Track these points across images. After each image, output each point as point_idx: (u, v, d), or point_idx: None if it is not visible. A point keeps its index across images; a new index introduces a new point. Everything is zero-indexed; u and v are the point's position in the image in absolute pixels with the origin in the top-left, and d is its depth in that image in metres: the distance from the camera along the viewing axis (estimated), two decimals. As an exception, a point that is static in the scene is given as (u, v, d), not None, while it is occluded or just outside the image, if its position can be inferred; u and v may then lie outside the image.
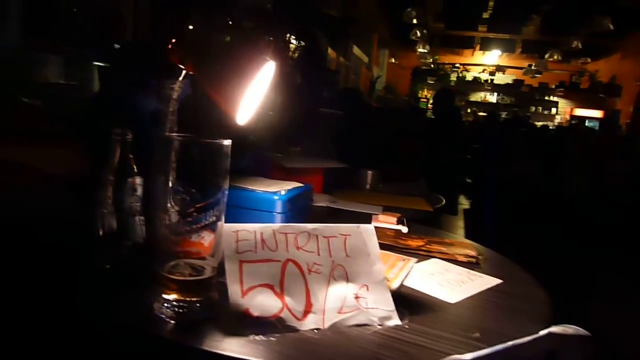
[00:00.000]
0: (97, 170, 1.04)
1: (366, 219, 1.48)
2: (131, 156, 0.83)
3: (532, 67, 11.86)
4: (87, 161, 1.29)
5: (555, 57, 10.14)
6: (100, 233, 0.84)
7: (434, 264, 1.09)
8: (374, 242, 0.85)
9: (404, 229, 1.36)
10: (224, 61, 0.87)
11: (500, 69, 12.80)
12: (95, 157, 1.30)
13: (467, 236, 4.98)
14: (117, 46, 3.38)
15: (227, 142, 0.71)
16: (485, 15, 10.18)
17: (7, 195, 1.11)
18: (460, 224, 5.81)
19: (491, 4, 9.41)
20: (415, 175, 2.85)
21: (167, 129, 0.92)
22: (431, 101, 11.85)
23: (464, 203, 6.81)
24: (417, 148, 3.58)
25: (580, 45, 8.98)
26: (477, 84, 12.95)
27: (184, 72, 0.92)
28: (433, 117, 5.28)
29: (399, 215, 1.42)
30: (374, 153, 2.82)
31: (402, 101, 10.85)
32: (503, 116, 10.55)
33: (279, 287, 0.74)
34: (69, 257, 0.90)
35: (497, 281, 1.02)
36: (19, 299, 0.78)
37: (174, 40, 0.92)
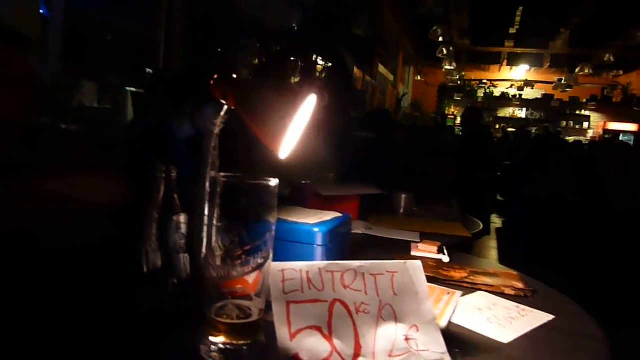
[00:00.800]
0: (138, 200, 1.04)
1: (404, 246, 1.45)
2: (176, 195, 0.83)
3: (562, 82, 11.66)
4: (127, 190, 1.30)
5: (587, 70, 9.94)
6: (145, 270, 0.84)
7: (480, 297, 1.05)
8: (422, 279, 0.82)
9: (445, 259, 1.33)
10: (268, 96, 0.87)
11: (528, 83, 12.62)
12: (133, 186, 1.32)
13: (501, 256, 4.86)
14: (149, 71, 3.46)
15: (274, 182, 0.70)
16: (512, 31, 10.09)
17: (49, 227, 1.13)
18: (492, 244, 5.69)
19: (518, 19, 9.33)
20: (448, 195, 2.81)
21: (209, 164, 0.92)
22: (459, 119, 11.77)
23: (496, 222, 6.67)
24: (449, 168, 3.53)
25: (612, 59, 8.79)
26: (505, 100, 12.79)
27: (225, 107, 0.92)
28: (461, 134, 5.22)
29: (439, 243, 1.38)
30: (406, 174, 2.79)
31: (429, 118, 10.79)
32: (533, 131, 10.37)
33: (327, 329, 0.72)
34: (112, 292, 0.90)
35: (549, 317, 0.97)
36: (60, 334, 0.77)
37: (216, 76, 0.92)
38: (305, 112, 0.91)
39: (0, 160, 1.13)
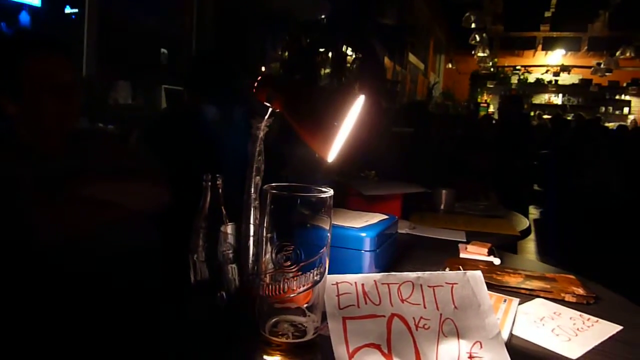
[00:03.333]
0: (182, 206, 1.02)
1: (451, 247, 1.40)
2: (223, 206, 0.80)
3: (601, 66, 11.20)
4: (167, 189, 1.29)
5: (628, 53, 9.52)
6: (193, 281, 0.82)
7: (540, 305, 0.99)
8: (483, 291, 0.77)
9: (496, 261, 1.26)
10: (316, 99, 0.83)
11: (565, 69, 12.20)
12: (174, 187, 1.30)
13: (540, 249, 4.68)
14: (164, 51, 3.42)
15: (329, 192, 0.66)
16: (548, 14, 9.76)
17: (94, 235, 1.12)
18: (531, 235, 5.52)
19: (554, 1, 9.01)
20: (486, 188, 2.73)
21: (254, 170, 0.88)
22: (492, 107, 11.49)
23: (533, 212, 6.48)
24: (487, 159, 3.43)
25: (656, 40, 8.39)
26: (540, 86, 12.40)
27: (270, 110, 0.88)
28: (496, 124, 5.07)
29: (489, 245, 1.32)
30: (444, 168, 2.72)
31: (462, 107, 10.57)
32: (569, 118, 10.04)
33: (386, 347, 0.68)
34: (160, 304, 0.88)
35: (617, 327, 0.91)
36: (108, 346, 0.75)
37: (259, 78, 0.88)
38: (353, 114, 0.87)
39: (47, 167, 1.13)
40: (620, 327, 0.91)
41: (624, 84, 11.86)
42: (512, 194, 3.36)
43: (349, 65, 5.51)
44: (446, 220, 1.77)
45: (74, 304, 0.85)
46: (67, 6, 2.90)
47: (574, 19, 9.64)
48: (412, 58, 8.85)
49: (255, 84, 0.88)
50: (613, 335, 0.88)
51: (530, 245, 5.33)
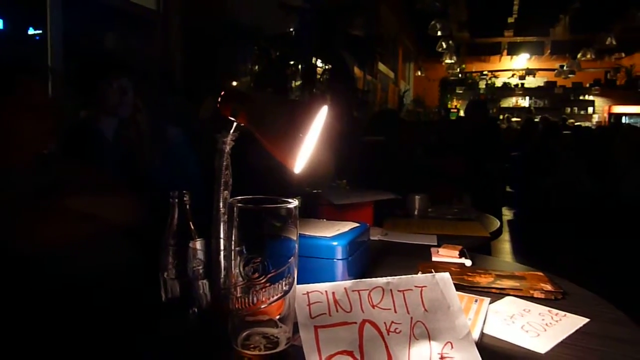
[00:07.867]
0: (146, 224, 1.01)
1: (424, 252, 1.42)
2: (191, 222, 0.79)
3: (565, 68, 11.56)
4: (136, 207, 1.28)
5: (589, 55, 9.85)
6: (164, 299, 0.81)
7: (510, 303, 1.02)
8: (452, 292, 0.79)
9: (468, 262, 1.29)
10: (280, 112, 0.84)
11: (530, 72, 12.55)
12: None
13: (514, 249, 4.77)
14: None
15: (294, 202, 0.67)
16: (511, 20, 10.04)
17: (64, 252, 1.10)
18: (505, 236, 5.62)
19: (516, 8, 9.27)
20: (459, 191, 2.77)
21: (222, 184, 0.88)
22: (461, 112, 11.72)
23: (507, 214, 6.61)
24: (458, 164, 3.48)
25: (614, 42, 8.69)
26: (507, 90, 12.72)
27: (235, 124, 0.89)
28: (466, 128, 5.16)
29: (460, 247, 1.35)
30: (416, 174, 2.75)
31: (433, 113, 10.75)
32: (536, 120, 10.31)
33: (358, 353, 0.69)
34: (131, 322, 0.87)
35: (584, 320, 0.93)
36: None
37: (223, 93, 0.89)
38: (318, 124, 0.88)
39: (18, 184, 1.11)
40: (587, 320, 0.94)
41: (587, 85, 12.27)
42: (485, 197, 3.42)
43: (319, 76, 5.55)
44: (418, 226, 1.80)
45: (44, 321, 0.83)
46: (31, 27, 2.85)
47: (536, 23, 9.95)
48: (382, 67, 8.97)
49: (220, 99, 0.89)
50: (580, 328, 0.91)
51: (505, 247, 5.42)
